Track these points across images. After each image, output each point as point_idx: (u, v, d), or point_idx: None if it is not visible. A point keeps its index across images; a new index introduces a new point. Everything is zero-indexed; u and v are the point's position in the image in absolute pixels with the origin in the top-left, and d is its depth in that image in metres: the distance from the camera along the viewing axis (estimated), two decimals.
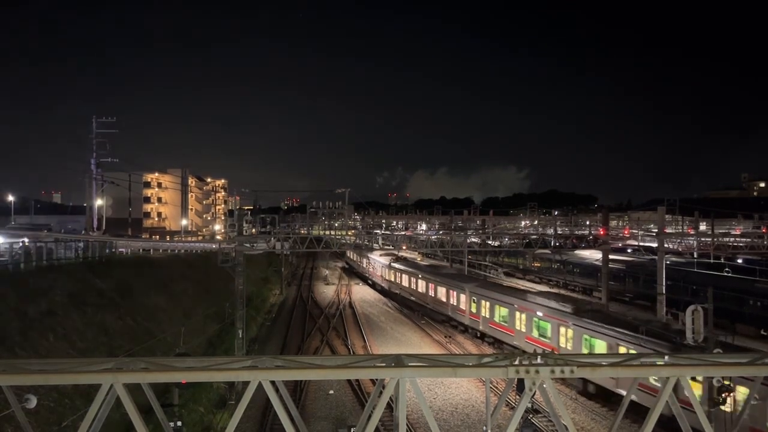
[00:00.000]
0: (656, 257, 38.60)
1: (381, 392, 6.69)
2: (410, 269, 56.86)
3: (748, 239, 49.16)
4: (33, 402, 7.31)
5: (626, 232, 68.09)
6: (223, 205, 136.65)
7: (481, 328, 39.78)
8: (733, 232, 70.19)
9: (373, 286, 70.79)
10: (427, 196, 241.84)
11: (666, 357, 7.81)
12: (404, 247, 63.73)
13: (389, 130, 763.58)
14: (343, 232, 71.22)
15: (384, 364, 7.03)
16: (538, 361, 6.61)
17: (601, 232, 47.67)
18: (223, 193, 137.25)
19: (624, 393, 20.79)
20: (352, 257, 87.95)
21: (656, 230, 41.30)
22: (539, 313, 32.69)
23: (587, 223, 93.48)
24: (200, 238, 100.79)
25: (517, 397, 6.94)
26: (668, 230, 53.25)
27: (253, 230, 45.33)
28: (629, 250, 62.94)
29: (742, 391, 17.90)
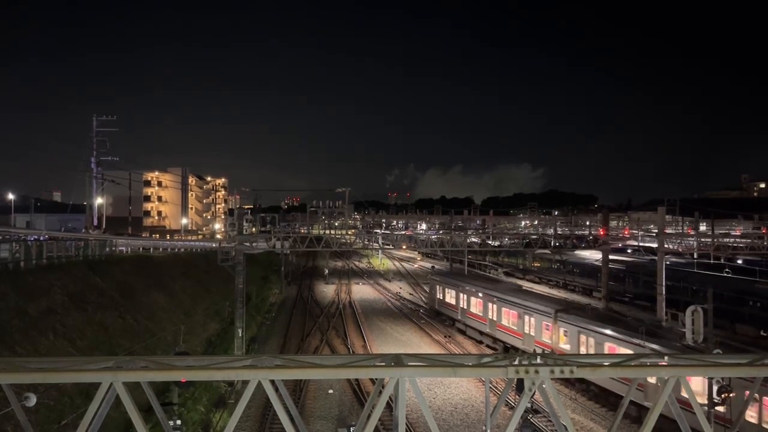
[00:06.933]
0: (656, 258, 38.58)
1: (381, 392, 6.69)
2: None
3: (748, 240, 49.07)
4: (33, 400, 7.29)
5: (626, 232, 67.91)
6: (223, 204, 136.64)
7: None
8: (733, 233, 69.98)
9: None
10: (437, 195, 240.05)
11: (666, 357, 7.80)
12: (404, 247, 64.26)
13: (402, 129, 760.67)
14: (343, 232, 71.41)
15: (383, 364, 7.02)
16: (538, 361, 6.61)
17: (601, 233, 47.61)
18: (223, 192, 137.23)
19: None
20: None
21: (656, 231, 41.26)
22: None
23: (587, 223, 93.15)
24: (200, 237, 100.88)
25: (517, 397, 6.93)
26: (668, 231, 53.12)
27: (253, 229, 45.48)
28: (629, 251, 62.84)
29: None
